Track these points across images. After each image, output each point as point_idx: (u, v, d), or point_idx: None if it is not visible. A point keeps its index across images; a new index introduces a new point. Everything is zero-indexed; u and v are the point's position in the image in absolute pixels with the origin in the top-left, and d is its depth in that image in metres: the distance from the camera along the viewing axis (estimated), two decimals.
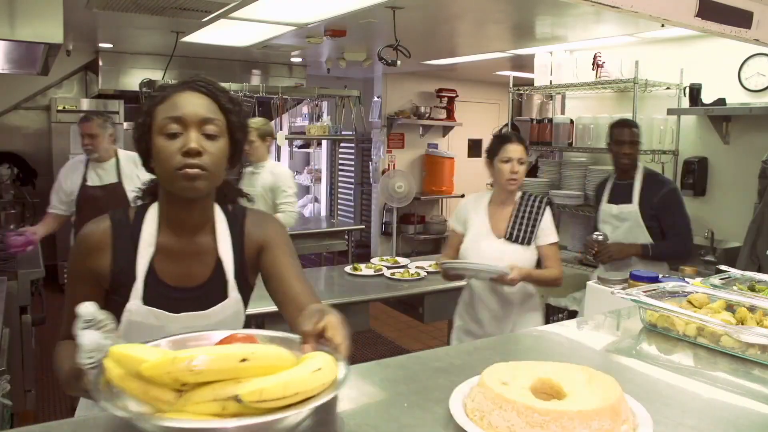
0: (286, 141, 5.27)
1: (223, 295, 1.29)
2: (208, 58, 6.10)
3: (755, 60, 3.74)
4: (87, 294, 1.14)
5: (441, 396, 1.02)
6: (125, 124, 6.01)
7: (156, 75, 5.42)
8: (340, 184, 6.42)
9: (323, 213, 8.29)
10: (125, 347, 0.90)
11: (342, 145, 6.43)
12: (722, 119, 3.88)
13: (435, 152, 7.62)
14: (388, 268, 3.54)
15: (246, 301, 1.35)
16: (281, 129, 5.32)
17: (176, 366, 0.82)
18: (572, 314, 3.74)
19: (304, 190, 8.78)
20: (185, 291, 1.26)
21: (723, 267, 2.04)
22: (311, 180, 8.39)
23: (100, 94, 5.98)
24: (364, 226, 6.29)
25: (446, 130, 7.79)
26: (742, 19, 2.11)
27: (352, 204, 8.20)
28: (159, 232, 1.26)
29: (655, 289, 1.65)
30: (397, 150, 7.52)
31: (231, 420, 0.80)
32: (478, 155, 8.25)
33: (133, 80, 5.63)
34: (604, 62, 4.35)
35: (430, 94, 7.59)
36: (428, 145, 7.69)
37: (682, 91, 4.06)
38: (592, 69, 4.40)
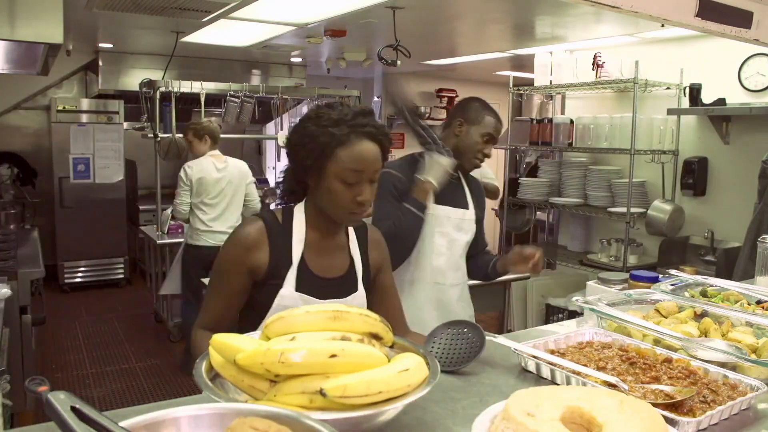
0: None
1: (354, 288, 1.48)
2: (208, 58, 6.10)
3: (755, 60, 3.74)
4: (241, 283, 1.39)
5: (466, 416, 1.00)
6: (125, 124, 6.01)
7: (156, 75, 5.41)
8: None
9: None
10: (226, 336, 0.93)
11: None
12: (722, 119, 3.88)
13: None
14: None
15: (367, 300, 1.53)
16: (281, 129, 5.32)
17: (268, 358, 0.85)
18: (572, 314, 3.73)
19: None
20: (328, 281, 1.45)
21: (672, 271, 2.00)
22: None
23: (100, 94, 5.98)
24: None
25: None
26: (742, 19, 2.11)
27: None
28: (307, 230, 1.44)
29: (623, 297, 1.61)
30: (397, 150, 7.49)
31: (315, 413, 0.81)
32: None
33: (133, 80, 5.63)
34: (604, 62, 4.34)
35: (430, 94, 7.59)
36: None
37: (682, 91, 4.05)
38: (592, 69, 4.40)
